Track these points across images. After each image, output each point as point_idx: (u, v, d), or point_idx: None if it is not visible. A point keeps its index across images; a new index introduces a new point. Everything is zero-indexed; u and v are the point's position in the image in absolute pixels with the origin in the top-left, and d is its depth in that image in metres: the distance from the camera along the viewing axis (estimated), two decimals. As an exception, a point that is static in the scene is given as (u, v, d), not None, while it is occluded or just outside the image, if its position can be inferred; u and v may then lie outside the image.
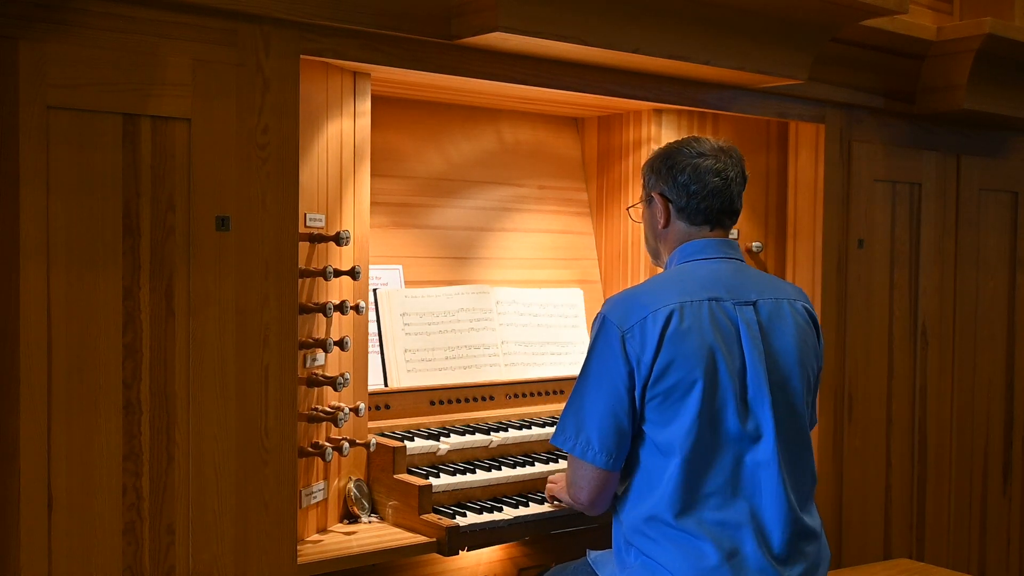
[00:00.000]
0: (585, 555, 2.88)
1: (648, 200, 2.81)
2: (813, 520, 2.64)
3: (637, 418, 2.57)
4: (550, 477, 3.17)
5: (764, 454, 2.54)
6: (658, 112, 3.83)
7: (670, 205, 2.74)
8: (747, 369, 2.55)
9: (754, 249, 4.04)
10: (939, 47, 4.00)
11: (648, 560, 2.54)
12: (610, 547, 2.78)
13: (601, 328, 2.62)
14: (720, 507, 2.52)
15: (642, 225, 2.91)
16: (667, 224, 2.76)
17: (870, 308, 4.14)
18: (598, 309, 3.96)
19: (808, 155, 3.99)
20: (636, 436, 2.60)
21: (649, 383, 2.53)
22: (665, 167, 2.75)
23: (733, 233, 3.55)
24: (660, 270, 2.85)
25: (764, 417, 2.55)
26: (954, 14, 4.43)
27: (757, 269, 2.82)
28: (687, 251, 2.73)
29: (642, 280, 3.85)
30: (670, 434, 2.52)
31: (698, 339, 2.52)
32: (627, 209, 3.02)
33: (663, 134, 3.84)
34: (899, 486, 4.31)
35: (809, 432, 2.70)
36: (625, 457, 2.62)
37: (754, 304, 2.62)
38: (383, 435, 3.20)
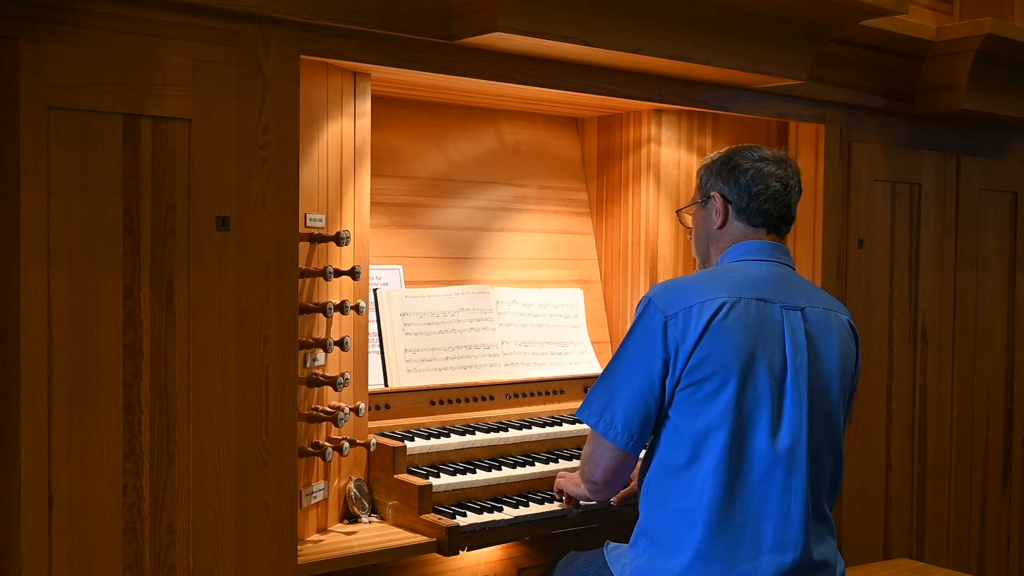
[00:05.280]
0: (604, 545, 2.86)
1: (704, 201, 2.78)
2: (827, 548, 2.59)
3: (665, 405, 2.55)
4: (560, 472, 3.17)
5: (792, 466, 2.50)
6: (658, 112, 3.83)
7: (730, 206, 2.71)
8: (787, 373, 2.52)
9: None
10: (939, 47, 4.00)
11: (656, 550, 2.55)
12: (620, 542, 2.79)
13: (645, 311, 2.58)
14: (742, 524, 2.48)
15: (692, 230, 2.87)
16: (723, 225, 2.73)
17: (870, 308, 4.14)
18: (598, 309, 3.99)
19: (808, 155, 3.99)
20: (660, 423, 2.57)
21: (684, 372, 2.50)
22: (726, 168, 2.73)
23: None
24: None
25: (798, 426, 2.51)
26: (954, 14, 4.42)
27: (805, 279, 2.80)
28: (739, 250, 2.70)
29: (641, 280, 3.86)
30: (696, 429, 2.49)
31: (741, 336, 2.50)
32: (676, 212, 2.98)
33: (663, 134, 3.85)
34: (899, 486, 4.31)
35: (842, 443, 2.64)
36: (646, 442, 2.61)
37: (802, 310, 2.60)
38: (383, 435, 3.20)
